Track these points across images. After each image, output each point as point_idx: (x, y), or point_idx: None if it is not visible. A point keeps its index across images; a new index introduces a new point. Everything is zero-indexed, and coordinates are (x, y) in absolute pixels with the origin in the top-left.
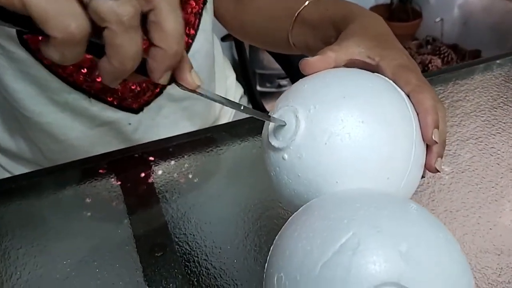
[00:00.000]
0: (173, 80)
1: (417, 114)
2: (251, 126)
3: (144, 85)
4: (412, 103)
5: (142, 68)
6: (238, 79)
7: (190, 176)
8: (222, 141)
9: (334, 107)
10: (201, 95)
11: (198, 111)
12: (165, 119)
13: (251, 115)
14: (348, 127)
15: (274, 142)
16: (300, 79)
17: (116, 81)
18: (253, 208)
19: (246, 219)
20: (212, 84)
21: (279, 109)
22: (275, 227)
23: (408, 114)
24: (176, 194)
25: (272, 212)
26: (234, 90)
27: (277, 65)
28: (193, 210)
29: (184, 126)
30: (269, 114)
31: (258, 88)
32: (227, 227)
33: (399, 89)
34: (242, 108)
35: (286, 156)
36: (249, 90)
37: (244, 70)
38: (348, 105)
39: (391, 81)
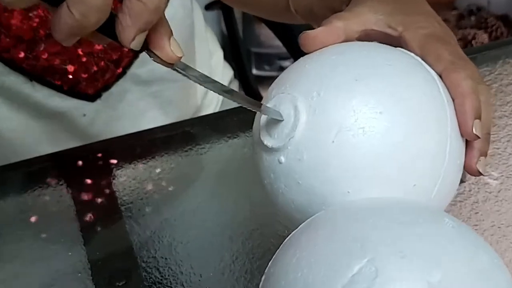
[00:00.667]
0: (146, 47)
1: (453, 100)
2: (242, 118)
3: (102, 63)
4: (446, 86)
5: (108, 27)
6: (227, 58)
7: (163, 183)
8: (205, 137)
9: (344, 94)
10: (180, 72)
11: (173, 98)
12: (130, 109)
13: (239, 104)
14: (362, 119)
15: (268, 141)
16: (300, 58)
17: (72, 38)
18: (243, 223)
19: (234, 237)
20: (191, 63)
21: (273, 97)
22: (272, 248)
23: (440, 100)
24: (144, 206)
25: (268, 229)
26: (221, 72)
27: (277, 42)
28: (166, 226)
29: (155, 118)
30: (261, 104)
31: (254, 71)
32: (209, 249)
33: (428, 68)
34: (231, 93)
35: (282, 158)
36: (241, 73)
37: (235, 48)
38: (362, 91)
39: (418, 58)
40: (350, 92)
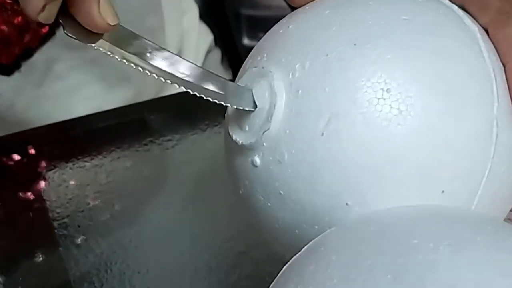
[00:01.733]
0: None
1: (503, 67)
2: None
3: (19, 19)
4: (494, 46)
5: None
6: (205, 19)
7: (113, 190)
8: (172, 126)
9: (338, 65)
10: (108, 53)
11: (125, 69)
12: (61, 84)
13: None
14: (364, 101)
15: (237, 135)
16: (284, 17)
17: None
18: (227, 245)
19: (213, 265)
20: (149, 19)
21: (245, 73)
22: (267, 279)
23: (483, 68)
24: (86, 223)
25: (260, 252)
26: (196, 36)
27: (277, 1)
28: (118, 250)
29: (99, 98)
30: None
31: (246, 41)
32: (178, 282)
33: (468, 21)
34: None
35: (257, 159)
36: (225, 41)
37: (219, 8)
38: (363, 60)
39: (452, 6)
40: (347, 62)
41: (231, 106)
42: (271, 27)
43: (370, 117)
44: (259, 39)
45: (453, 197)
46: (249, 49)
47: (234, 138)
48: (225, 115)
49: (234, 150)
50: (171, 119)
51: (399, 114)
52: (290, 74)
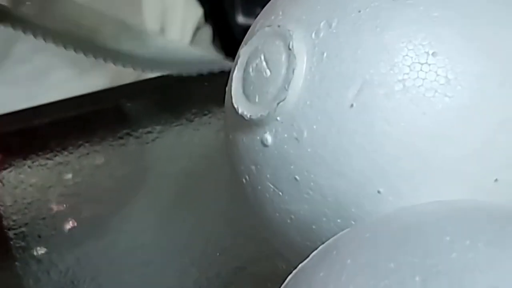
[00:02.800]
0: None
1: None
2: (217, 82)
3: None
4: None
5: None
6: None
7: (81, 193)
8: (152, 115)
9: (372, 23)
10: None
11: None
12: (21, 67)
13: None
14: (403, 66)
15: (244, 108)
16: None
17: None
18: (220, 259)
19: (203, 284)
20: None
21: (256, 33)
22: None
23: None
24: (49, 232)
25: (261, 266)
26: (182, 10)
27: None
28: (87, 266)
29: (66, 82)
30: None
31: (241, 18)
32: None
33: None
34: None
35: (268, 137)
36: (217, 17)
37: None
38: (405, 17)
39: None
40: (384, 20)
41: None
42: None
43: (411, 86)
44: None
45: (509, 187)
46: (245, 28)
47: (240, 111)
48: (228, 83)
49: (238, 127)
50: (151, 107)
51: (447, 83)
52: (313, 34)
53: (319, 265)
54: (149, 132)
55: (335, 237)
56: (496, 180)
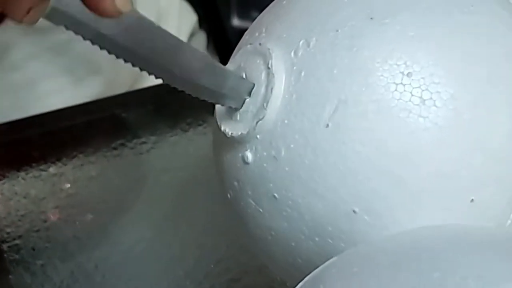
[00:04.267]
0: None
1: None
2: None
3: None
4: None
5: None
6: None
7: (77, 204)
8: (147, 126)
9: (349, 43)
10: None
11: (92, 57)
12: (16, 76)
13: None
14: (378, 86)
15: (226, 126)
16: None
17: None
18: (214, 271)
19: None
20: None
21: (238, 52)
22: None
23: None
24: (44, 244)
25: (256, 278)
26: (176, 16)
27: None
28: (81, 278)
29: (61, 92)
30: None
31: (236, 21)
32: None
33: None
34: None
35: (249, 155)
36: (211, 22)
37: None
38: (381, 37)
39: None
40: (360, 40)
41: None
42: (267, 4)
43: (386, 107)
44: (253, 20)
45: (484, 208)
46: (240, 31)
47: (222, 128)
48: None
49: (223, 144)
50: (146, 117)
51: (422, 103)
52: (292, 53)
53: None
54: (144, 142)
55: (321, 268)
56: (472, 200)
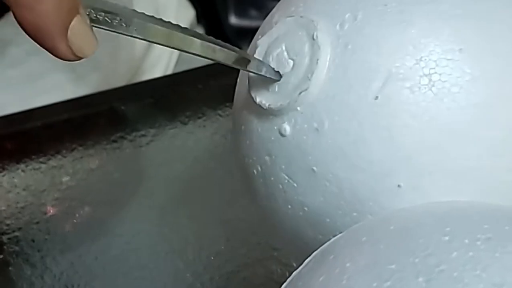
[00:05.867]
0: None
1: None
2: (212, 85)
3: None
4: None
5: None
6: None
7: (76, 197)
8: (147, 119)
9: (398, 18)
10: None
11: (95, 55)
12: (15, 72)
13: (209, 57)
14: (429, 61)
15: (262, 97)
16: None
17: None
18: (214, 264)
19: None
20: None
21: (275, 24)
22: None
23: None
24: (43, 236)
25: (256, 270)
26: (174, 11)
27: None
28: (80, 271)
29: (60, 86)
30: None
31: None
32: None
33: None
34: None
35: (287, 127)
36: (209, 18)
37: None
38: (429, 13)
39: None
40: (409, 15)
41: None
42: (265, 2)
43: (437, 81)
44: (251, 18)
45: None
46: (237, 29)
47: (258, 100)
48: (237, 81)
49: (253, 117)
50: (145, 110)
51: (473, 80)
52: (338, 25)
53: (317, 270)
54: (143, 135)
55: (328, 242)
56: None
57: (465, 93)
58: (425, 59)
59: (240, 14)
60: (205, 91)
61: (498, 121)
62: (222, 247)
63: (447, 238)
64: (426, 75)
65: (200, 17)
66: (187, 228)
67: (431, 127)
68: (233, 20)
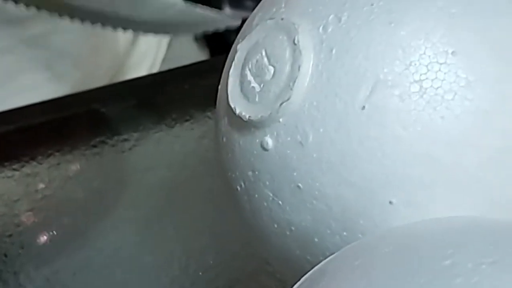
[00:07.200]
0: None
1: None
2: (201, 84)
3: None
4: None
5: None
6: None
7: (51, 207)
8: (129, 122)
9: (386, 18)
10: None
11: (70, 50)
12: None
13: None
14: (420, 65)
15: (242, 108)
16: None
17: None
18: (202, 279)
19: None
20: None
21: (255, 27)
22: None
23: None
24: (16, 250)
25: (246, 286)
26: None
27: None
28: (58, 285)
29: (36, 86)
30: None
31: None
32: None
33: None
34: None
35: (269, 141)
36: None
37: None
38: (419, 13)
39: None
40: (398, 14)
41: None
42: None
43: (429, 87)
44: (246, 9)
45: None
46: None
47: (237, 111)
48: (219, 89)
49: (234, 129)
50: (128, 112)
51: (468, 85)
52: (321, 28)
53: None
54: (126, 139)
55: (321, 263)
56: None
57: (460, 100)
58: (415, 64)
59: (235, 5)
60: (193, 91)
61: (498, 128)
62: (211, 261)
63: (448, 262)
64: (416, 82)
65: None
66: (173, 240)
67: (424, 137)
68: (228, 11)
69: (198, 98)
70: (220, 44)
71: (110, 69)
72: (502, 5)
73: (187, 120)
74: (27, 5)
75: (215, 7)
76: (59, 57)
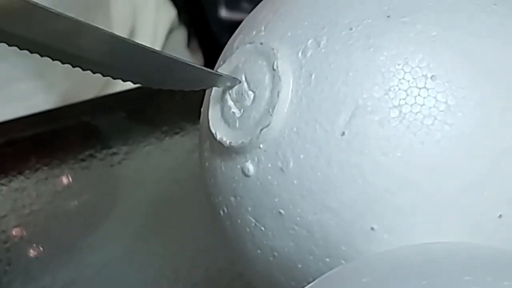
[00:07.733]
0: None
1: None
2: (191, 98)
3: None
4: None
5: None
6: None
7: (39, 223)
8: (119, 134)
9: (365, 43)
10: None
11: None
12: None
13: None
14: (399, 91)
15: (223, 134)
16: None
17: None
18: None
19: None
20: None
21: (235, 51)
22: None
23: None
24: (2, 270)
25: None
26: (153, 10)
27: None
28: None
29: (31, 99)
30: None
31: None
32: None
33: None
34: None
35: (250, 167)
36: (194, 14)
37: None
38: (398, 38)
39: None
40: (377, 39)
41: (223, 88)
42: None
43: (409, 113)
44: (243, 11)
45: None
46: (228, 24)
47: (218, 137)
48: (201, 111)
49: (215, 154)
50: (117, 124)
51: (447, 110)
52: (300, 53)
53: None
54: (115, 153)
55: (321, 278)
56: (500, 216)
57: (439, 125)
58: (394, 89)
59: (231, 6)
60: (183, 103)
61: (479, 153)
62: (200, 278)
63: (468, 278)
64: (396, 107)
65: (183, 16)
66: (162, 256)
67: (404, 163)
68: (224, 13)
69: (189, 110)
70: (213, 45)
71: (99, 81)
72: (484, 25)
73: (177, 133)
74: None
75: (209, 9)
76: (50, 66)
